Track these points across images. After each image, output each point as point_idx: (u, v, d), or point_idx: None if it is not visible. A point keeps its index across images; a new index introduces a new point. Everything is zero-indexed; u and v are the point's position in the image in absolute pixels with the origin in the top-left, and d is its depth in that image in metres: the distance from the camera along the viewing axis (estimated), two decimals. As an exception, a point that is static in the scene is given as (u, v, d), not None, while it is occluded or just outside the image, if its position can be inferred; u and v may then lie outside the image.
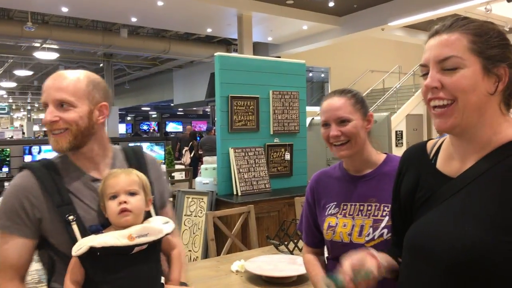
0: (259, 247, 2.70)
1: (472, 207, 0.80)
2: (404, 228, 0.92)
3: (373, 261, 0.92)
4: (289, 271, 1.93)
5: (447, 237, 0.80)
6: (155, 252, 1.12)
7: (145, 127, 25.08)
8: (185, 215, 3.88)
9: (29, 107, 28.22)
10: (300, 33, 10.44)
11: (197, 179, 4.16)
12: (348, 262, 0.91)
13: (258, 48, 11.47)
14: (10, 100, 25.43)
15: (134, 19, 9.26)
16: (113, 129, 14.86)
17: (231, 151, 3.86)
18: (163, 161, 6.88)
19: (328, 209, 1.45)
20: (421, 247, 0.84)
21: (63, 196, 1.15)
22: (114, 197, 1.11)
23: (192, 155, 9.90)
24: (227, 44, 11.98)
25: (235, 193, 3.83)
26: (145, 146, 11.19)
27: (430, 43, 0.86)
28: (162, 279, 1.14)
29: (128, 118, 27.59)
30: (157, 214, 1.24)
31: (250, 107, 3.99)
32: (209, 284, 1.96)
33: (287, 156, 4.25)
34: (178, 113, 24.30)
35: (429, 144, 0.99)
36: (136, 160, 1.31)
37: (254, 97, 4.01)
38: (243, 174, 3.87)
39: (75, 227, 1.11)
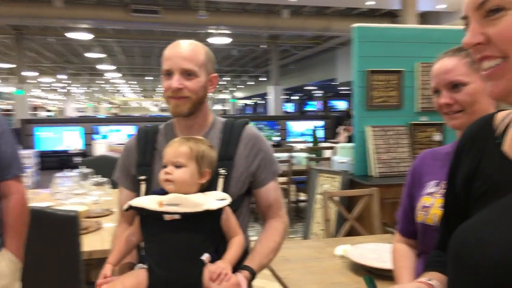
0: (379, 234, 2.48)
1: None
2: (456, 226, 0.69)
3: None
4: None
5: (498, 246, 0.56)
6: (194, 225, 1.10)
7: (309, 106, 25.57)
8: (317, 194, 3.82)
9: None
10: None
11: (334, 157, 4.03)
12: None
13: (428, 17, 10.36)
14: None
15: (294, -1, 9.40)
16: (278, 107, 15.58)
17: (368, 129, 3.61)
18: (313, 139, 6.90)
19: (426, 188, 1.22)
20: (465, 257, 0.61)
21: (146, 157, 1.28)
22: (164, 166, 1.15)
23: (348, 134, 9.69)
24: (391, 16, 11.16)
25: (371, 174, 3.59)
26: (297, 125, 11.39)
27: None
28: (205, 257, 1.11)
29: (294, 98, 28.52)
30: (247, 190, 1.29)
31: (392, 82, 3.63)
32: (307, 264, 1.88)
33: (437, 137, 3.76)
34: (341, 92, 23.98)
35: (498, 117, 0.72)
36: (229, 133, 1.32)
37: (397, 71, 3.63)
38: (380, 155, 3.59)
39: (142, 187, 1.23)
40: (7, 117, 15.19)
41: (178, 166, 1.14)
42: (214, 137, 1.30)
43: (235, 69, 23.16)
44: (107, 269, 1.12)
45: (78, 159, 6.59)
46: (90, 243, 2.00)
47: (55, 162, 9.57)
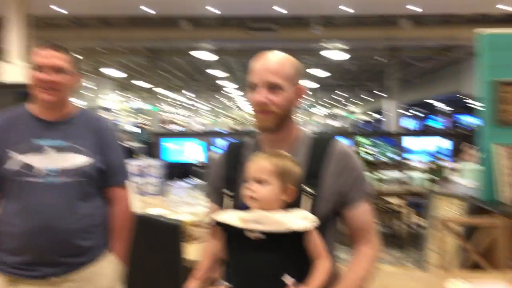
0: (506, 272, 2.12)
1: None
2: None
3: None
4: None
5: None
6: (276, 245, 1.04)
7: (433, 122, 23.74)
8: (432, 218, 3.45)
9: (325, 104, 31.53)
10: None
11: (456, 179, 3.63)
12: None
13: None
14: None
15: (417, 9, 8.88)
16: (395, 123, 14.77)
17: (497, 148, 3.16)
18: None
19: None
20: None
21: (233, 172, 1.27)
22: (246, 181, 1.13)
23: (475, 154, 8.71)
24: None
25: (500, 200, 3.12)
26: (417, 142, 10.54)
27: None
28: (287, 278, 1.04)
29: (415, 113, 26.77)
30: (335, 211, 1.21)
31: (528, 94, 3.14)
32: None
33: None
34: (468, 105, 21.74)
35: None
36: (317, 149, 1.26)
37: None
38: (513, 178, 3.10)
39: (228, 202, 1.22)
40: (144, 130, 17.08)
41: (260, 181, 1.10)
42: (301, 153, 1.24)
43: (352, 83, 22.67)
44: (192, 285, 1.12)
45: (197, 170, 7.04)
46: (195, 252, 2.07)
47: (177, 172, 10.39)
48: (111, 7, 9.20)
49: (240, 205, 1.14)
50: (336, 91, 25.64)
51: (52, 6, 8.90)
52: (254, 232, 1.04)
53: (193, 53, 11.95)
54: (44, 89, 1.53)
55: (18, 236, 1.50)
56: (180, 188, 3.76)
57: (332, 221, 1.25)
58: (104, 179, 1.67)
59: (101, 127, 1.70)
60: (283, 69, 1.21)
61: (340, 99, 28.87)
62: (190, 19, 10.15)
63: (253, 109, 1.23)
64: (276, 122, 1.21)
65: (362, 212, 1.24)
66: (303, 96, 1.27)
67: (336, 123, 31.85)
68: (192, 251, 2.00)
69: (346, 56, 12.34)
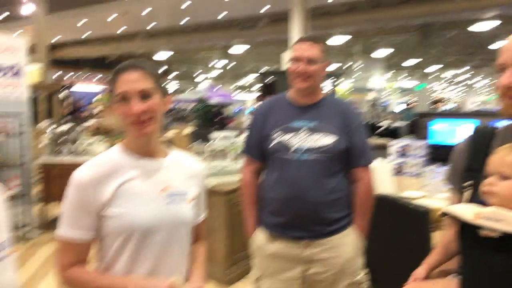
0: None
1: None
2: None
3: None
4: None
5: None
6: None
7: None
8: None
9: None
10: None
11: None
12: None
13: None
14: None
15: None
16: None
17: None
18: None
19: None
20: None
21: (476, 162, 1.16)
22: (487, 176, 1.02)
23: None
24: None
25: None
26: None
27: None
28: None
29: None
30: None
31: None
32: None
33: None
34: None
35: None
36: None
37: None
38: None
39: (466, 193, 1.13)
40: (409, 110, 16.58)
41: (504, 177, 0.97)
42: None
43: None
44: (420, 269, 1.10)
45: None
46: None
47: (444, 155, 9.67)
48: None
49: (478, 200, 1.04)
50: None
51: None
52: (487, 230, 0.94)
53: (474, 26, 10.69)
54: (299, 78, 1.76)
55: (276, 201, 1.80)
56: (442, 172, 3.55)
57: None
58: (348, 160, 1.80)
59: (346, 110, 1.84)
60: None
61: None
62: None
63: (504, 93, 1.06)
64: None
65: None
66: None
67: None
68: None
69: None
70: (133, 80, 1.14)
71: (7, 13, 12.27)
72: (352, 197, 1.83)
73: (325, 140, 1.75)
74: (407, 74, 24.70)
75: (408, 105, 15.84)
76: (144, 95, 1.15)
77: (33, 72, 7.01)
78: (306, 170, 1.74)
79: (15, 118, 4.52)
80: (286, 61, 7.77)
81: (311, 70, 1.76)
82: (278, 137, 1.80)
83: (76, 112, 13.58)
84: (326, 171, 1.75)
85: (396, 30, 13.71)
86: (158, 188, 1.22)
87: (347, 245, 1.79)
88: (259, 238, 1.87)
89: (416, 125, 10.72)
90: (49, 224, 4.93)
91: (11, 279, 0.80)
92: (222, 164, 3.93)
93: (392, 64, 20.95)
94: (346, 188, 1.82)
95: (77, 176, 1.16)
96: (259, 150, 1.88)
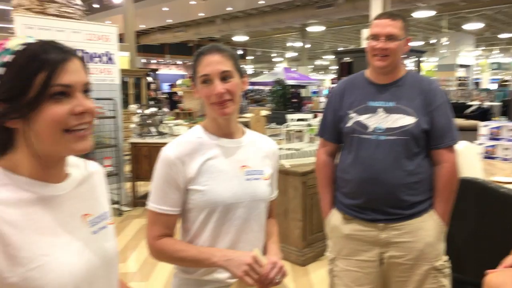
0: None
1: None
2: None
3: None
4: None
5: None
6: None
7: None
8: None
9: None
10: None
11: None
12: None
13: None
14: None
15: None
16: None
17: None
18: None
19: None
20: None
21: None
22: None
23: None
24: None
25: None
26: None
27: None
28: None
29: None
30: None
31: None
32: None
33: None
34: None
35: None
36: None
37: None
38: None
39: None
40: (503, 87, 15.14)
41: None
42: None
43: None
44: (511, 257, 1.04)
45: None
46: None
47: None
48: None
49: None
50: None
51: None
52: None
53: None
54: (378, 56, 1.70)
55: (351, 183, 1.77)
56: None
57: None
58: (430, 140, 1.71)
59: (428, 88, 1.73)
60: None
61: None
62: None
63: None
64: None
65: None
66: None
67: None
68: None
69: None
70: (215, 62, 1.20)
71: (97, 5, 13.23)
72: (434, 181, 1.74)
73: (405, 120, 1.69)
74: (499, 51, 22.54)
75: (501, 83, 14.49)
76: (225, 77, 1.20)
77: (122, 58, 7.52)
78: (384, 151, 1.70)
79: (108, 102, 4.91)
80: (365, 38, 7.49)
81: (391, 47, 1.69)
82: (355, 117, 1.77)
83: (161, 95, 14.38)
84: (405, 152, 1.69)
85: (488, 2, 12.50)
86: (238, 166, 1.28)
87: (427, 229, 1.72)
88: (335, 219, 1.86)
89: (510, 105, 9.80)
90: (139, 200, 5.34)
91: (113, 246, 0.91)
92: (298, 146, 3.95)
93: (483, 39, 19.22)
94: (427, 170, 1.74)
95: (166, 153, 1.24)
96: (334, 131, 1.87)
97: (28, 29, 4.28)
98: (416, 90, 1.74)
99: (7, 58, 0.74)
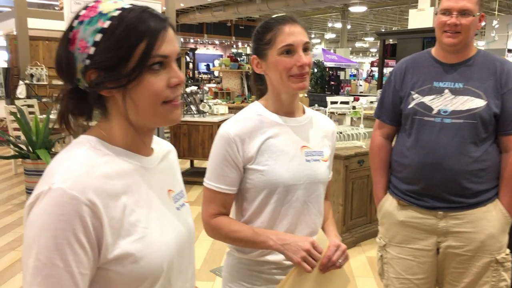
0: None
1: None
2: None
3: None
4: None
5: None
6: None
7: None
8: None
9: None
10: None
11: None
12: None
13: None
14: None
15: None
16: None
17: None
18: None
19: None
20: None
21: None
22: None
23: None
24: None
25: None
26: None
27: None
28: None
29: None
30: None
31: None
32: None
33: None
34: None
35: None
36: None
37: None
38: None
39: None
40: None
41: None
42: None
43: None
44: None
45: None
46: None
47: None
48: None
49: None
50: None
51: None
52: None
53: None
54: (449, 32, 1.57)
55: (410, 167, 1.66)
56: None
57: None
58: (499, 126, 1.60)
59: (501, 69, 1.60)
60: None
61: None
62: None
63: None
64: None
65: None
66: None
67: None
68: None
69: None
70: (297, 32, 1.15)
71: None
72: (502, 168, 1.62)
73: (474, 103, 1.57)
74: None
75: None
76: (306, 48, 1.16)
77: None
78: (448, 135, 1.59)
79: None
80: (414, 19, 7.18)
81: (463, 24, 1.55)
82: (418, 98, 1.66)
83: (199, 74, 14.44)
84: (472, 137, 1.57)
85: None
86: (298, 146, 1.22)
87: (490, 220, 1.62)
88: (388, 204, 1.78)
89: None
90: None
91: (192, 223, 0.91)
92: (340, 129, 3.85)
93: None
94: (494, 158, 1.62)
95: (225, 129, 1.20)
96: (393, 112, 1.76)
97: None
98: (488, 71, 1.61)
99: (105, 24, 0.71)
